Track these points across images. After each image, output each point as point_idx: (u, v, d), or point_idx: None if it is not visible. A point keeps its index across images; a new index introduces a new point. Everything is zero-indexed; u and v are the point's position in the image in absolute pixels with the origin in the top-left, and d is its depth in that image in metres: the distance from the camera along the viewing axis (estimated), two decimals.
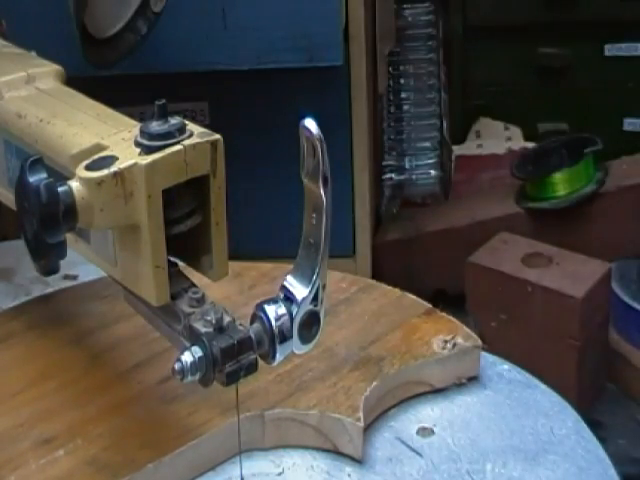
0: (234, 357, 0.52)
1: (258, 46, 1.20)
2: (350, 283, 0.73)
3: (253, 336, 0.53)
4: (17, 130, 0.60)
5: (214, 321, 0.52)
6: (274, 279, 0.72)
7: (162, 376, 0.62)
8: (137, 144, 0.51)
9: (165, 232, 0.52)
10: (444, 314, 0.68)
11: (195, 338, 0.52)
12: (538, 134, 1.93)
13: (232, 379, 0.52)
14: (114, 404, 0.61)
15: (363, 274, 1.31)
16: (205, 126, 0.53)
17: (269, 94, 1.34)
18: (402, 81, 1.74)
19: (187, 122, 0.52)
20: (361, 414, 0.58)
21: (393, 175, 1.71)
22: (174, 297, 0.54)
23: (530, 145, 1.86)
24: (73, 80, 0.66)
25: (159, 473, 0.56)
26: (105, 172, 0.50)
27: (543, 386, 0.64)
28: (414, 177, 1.71)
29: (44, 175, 0.50)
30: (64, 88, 0.64)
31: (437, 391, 0.64)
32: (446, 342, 0.65)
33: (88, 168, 0.51)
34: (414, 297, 0.71)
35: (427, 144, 1.73)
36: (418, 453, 0.59)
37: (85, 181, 0.50)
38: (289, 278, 0.53)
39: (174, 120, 0.52)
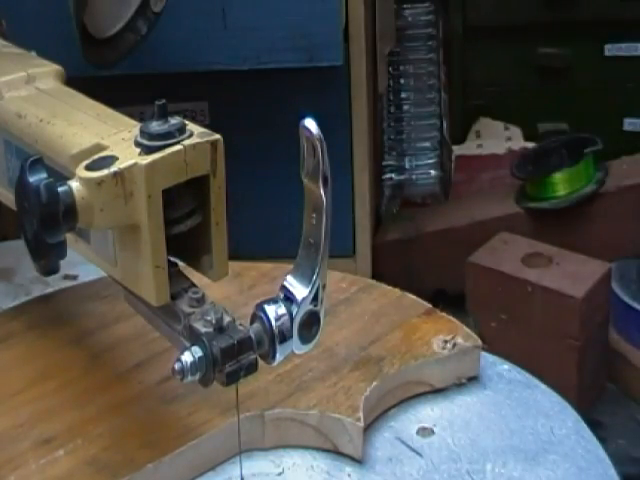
0: (234, 357, 0.52)
1: (258, 46, 1.20)
2: (350, 283, 0.73)
3: (253, 336, 0.53)
4: (17, 130, 0.60)
5: (214, 321, 0.52)
6: (274, 279, 0.72)
7: (162, 376, 0.62)
8: (137, 144, 0.51)
9: (165, 232, 0.52)
10: (444, 314, 0.68)
11: (195, 338, 0.52)
12: (538, 134, 1.93)
13: (232, 379, 0.52)
14: (114, 404, 0.61)
15: (363, 274, 1.31)
16: (205, 126, 0.53)
17: (269, 94, 1.34)
18: (402, 81, 1.74)
19: (187, 122, 0.52)
20: (361, 414, 0.58)
21: (393, 175, 1.71)
22: (174, 297, 0.54)
23: (530, 145, 1.86)
24: (73, 80, 0.66)
25: (159, 473, 0.56)
26: (105, 172, 0.50)
27: (543, 386, 0.64)
28: (414, 177, 1.71)
29: (44, 175, 0.50)
30: (64, 88, 0.64)
31: (437, 391, 0.64)
32: (446, 342, 0.65)
33: (88, 168, 0.51)
34: (414, 297, 0.71)
35: (427, 144, 1.73)
36: (418, 453, 0.59)
37: (85, 181, 0.50)
38: (289, 278, 0.53)
39: (174, 120, 0.52)
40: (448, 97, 1.80)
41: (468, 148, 1.93)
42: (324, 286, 0.53)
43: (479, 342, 0.65)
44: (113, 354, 0.66)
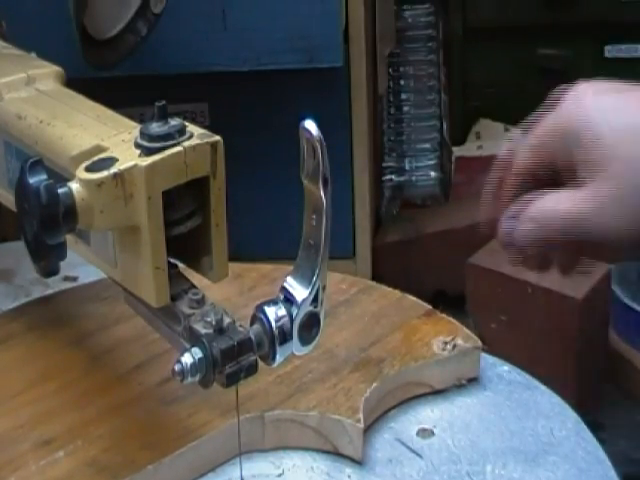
0: (234, 358, 0.52)
1: (258, 47, 1.20)
2: (350, 284, 0.73)
3: (253, 337, 0.52)
4: (17, 131, 0.60)
5: (214, 322, 0.52)
6: (274, 280, 0.72)
7: (162, 377, 0.62)
8: (137, 145, 0.51)
9: (165, 233, 0.52)
10: (444, 315, 0.68)
11: (195, 339, 0.52)
12: None
13: (232, 380, 0.52)
14: (114, 405, 0.61)
15: (363, 275, 1.32)
16: (205, 127, 0.53)
17: (269, 95, 1.34)
18: (402, 82, 1.74)
19: (187, 123, 0.52)
20: (361, 415, 0.58)
21: (393, 176, 1.71)
22: (174, 298, 0.54)
23: None
24: (73, 81, 0.66)
25: (159, 474, 0.56)
26: (105, 173, 0.50)
27: (543, 387, 0.64)
28: (414, 178, 1.71)
29: (44, 176, 0.50)
30: (64, 89, 0.64)
31: (437, 392, 0.64)
32: (446, 343, 0.65)
33: (88, 169, 0.51)
34: (414, 298, 0.71)
35: (427, 145, 1.73)
36: (418, 454, 0.59)
37: (85, 182, 0.50)
38: (289, 279, 0.53)
39: (174, 121, 0.52)
40: (448, 98, 1.80)
41: (468, 149, 1.93)
42: (324, 287, 0.53)
43: (479, 343, 0.65)
44: (113, 355, 0.66)
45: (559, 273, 0.58)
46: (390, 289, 0.73)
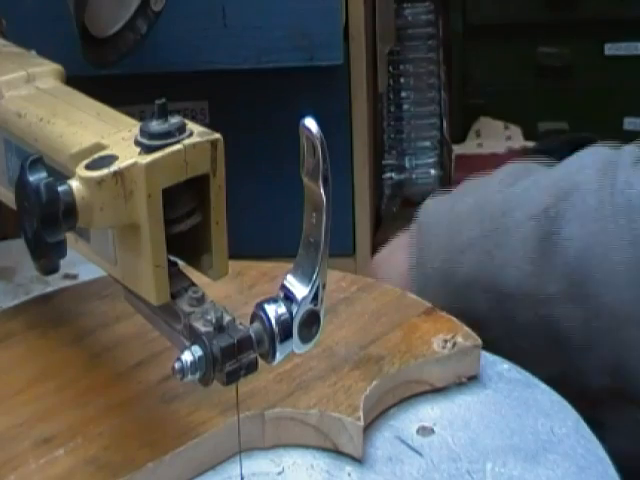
0: (234, 356, 0.52)
1: (258, 45, 1.20)
2: (350, 282, 0.73)
3: (253, 335, 0.52)
4: (17, 129, 0.60)
5: (214, 320, 0.52)
6: (274, 278, 0.72)
7: (162, 375, 0.62)
8: (137, 143, 0.51)
9: (165, 231, 0.52)
10: (444, 313, 0.68)
11: (195, 337, 0.52)
12: (538, 134, 1.93)
13: (232, 378, 0.52)
14: (114, 403, 0.61)
15: (363, 273, 1.31)
16: (205, 125, 0.53)
17: (269, 93, 1.34)
18: (402, 80, 1.74)
19: (187, 121, 0.52)
20: (361, 413, 0.58)
21: (393, 174, 1.71)
22: (174, 296, 0.54)
23: (530, 145, 1.86)
24: (73, 79, 0.66)
25: (159, 472, 0.56)
26: (105, 171, 0.50)
27: (543, 385, 0.64)
28: (414, 176, 1.71)
29: (44, 174, 0.50)
30: (64, 87, 0.64)
31: (437, 390, 0.64)
32: (446, 341, 0.65)
33: (88, 167, 0.51)
34: (414, 296, 0.71)
35: (427, 143, 1.73)
36: (418, 452, 0.59)
37: (85, 180, 0.50)
38: (289, 277, 0.53)
39: (174, 119, 0.52)
40: (448, 96, 1.80)
41: (468, 147, 1.93)
42: (324, 285, 0.53)
43: (479, 341, 0.65)
44: (113, 353, 0.66)
45: None
46: (390, 287, 0.73)
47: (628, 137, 0.80)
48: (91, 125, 0.57)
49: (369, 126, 1.39)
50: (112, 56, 0.88)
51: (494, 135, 1.94)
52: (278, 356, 0.53)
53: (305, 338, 0.54)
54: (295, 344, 0.53)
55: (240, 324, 0.53)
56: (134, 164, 0.50)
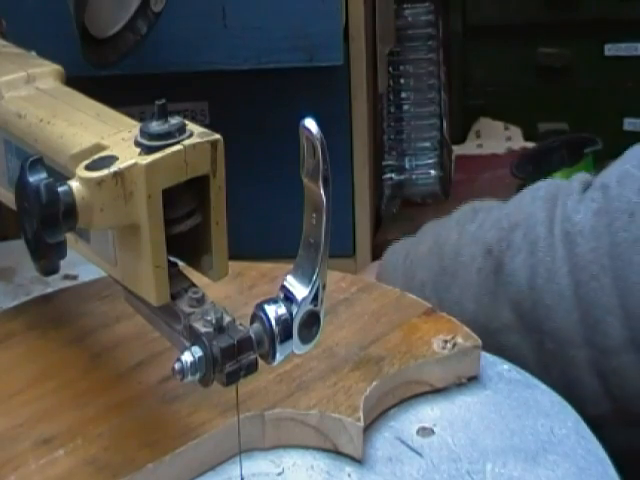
0: (234, 357, 0.52)
1: (258, 46, 1.20)
2: (350, 283, 0.73)
3: (253, 336, 0.52)
4: (17, 130, 0.60)
5: (214, 321, 0.52)
6: (274, 279, 0.72)
7: (162, 376, 0.62)
8: (137, 144, 0.51)
9: (165, 232, 0.52)
10: (444, 314, 0.68)
11: (195, 338, 0.52)
12: (538, 134, 1.92)
13: (232, 379, 0.52)
14: (114, 404, 0.61)
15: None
16: (205, 126, 0.53)
17: (269, 94, 1.34)
18: (402, 81, 1.74)
19: (187, 122, 0.52)
20: (361, 414, 0.58)
21: (393, 175, 1.70)
22: (174, 297, 0.54)
23: (530, 145, 1.86)
24: (73, 80, 0.66)
25: (159, 473, 0.56)
26: (105, 172, 0.50)
27: (543, 386, 0.64)
28: (414, 177, 1.71)
29: (44, 175, 0.50)
30: (64, 88, 0.64)
31: (437, 391, 0.64)
32: (446, 342, 0.65)
33: (88, 168, 0.51)
34: (414, 297, 0.71)
35: (427, 144, 1.72)
36: (418, 453, 0.59)
37: (85, 181, 0.50)
38: (289, 278, 0.53)
39: (174, 120, 0.52)
40: (448, 97, 1.79)
41: (468, 148, 1.93)
42: (324, 286, 0.53)
43: (479, 342, 0.65)
44: (113, 354, 0.66)
45: None
46: (390, 287, 0.73)
47: (628, 137, 0.80)
48: (91, 126, 0.57)
49: (369, 126, 1.39)
50: (112, 56, 0.88)
51: (494, 136, 1.94)
52: (278, 357, 0.53)
53: (305, 339, 0.54)
54: (295, 345, 0.53)
55: (240, 325, 0.53)
56: (134, 165, 0.50)
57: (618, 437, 0.69)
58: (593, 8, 1.90)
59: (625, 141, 0.77)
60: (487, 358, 0.67)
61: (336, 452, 0.59)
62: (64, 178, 0.51)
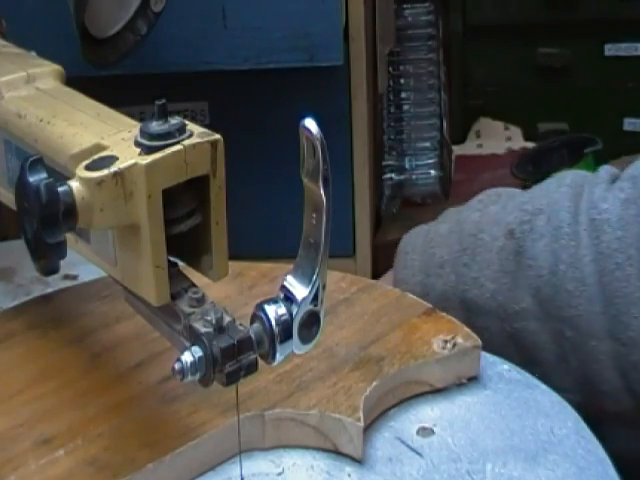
0: (234, 357, 0.52)
1: (258, 46, 1.20)
2: (350, 283, 0.73)
3: (253, 336, 0.53)
4: (17, 130, 0.60)
5: (214, 321, 0.52)
6: (274, 279, 0.72)
7: (162, 376, 0.62)
8: (137, 144, 0.51)
9: (165, 232, 0.52)
10: (444, 314, 0.68)
11: (195, 338, 0.52)
12: (538, 134, 1.92)
13: (232, 379, 0.52)
14: (114, 404, 0.61)
15: (363, 274, 1.31)
16: (205, 126, 0.53)
17: (269, 94, 1.34)
18: (402, 81, 1.74)
19: (187, 122, 0.52)
20: (361, 414, 0.58)
21: (393, 175, 1.70)
22: (174, 297, 0.54)
23: (530, 145, 1.86)
24: (73, 80, 0.66)
25: (159, 473, 0.56)
26: (105, 172, 0.50)
27: (543, 386, 0.64)
28: (414, 177, 1.71)
29: (44, 175, 0.50)
30: (64, 88, 0.64)
31: (437, 391, 0.64)
32: (446, 342, 0.65)
33: (88, 168, 0.51)
34: (414, 297, 0.71)
35: (427, 144, 1.72)
36: (418, 453, 0.59)
37: (85, 181, 0.50)
38: (289, 278, 0.53)
39: (174, 120, 0.52)
40: (448, 97, 1.79)
41: (468, 148, 1.93)
42: (324, 286, 0.53)
43: (479, 342, 0.65)
44: (113, 354, 0.66)
45: None
46: (390, 287, 0.73)
47: (628, 137, 0.81)
48: (91, 126, 0.57)
49: (369, 126, 1.39)
50: (112, 56, 0.88)
51: (494, 136, 1.94)
52: (278, 357, 0.53)
53: (305, 339, 0.54)
54: (295, 345, 0.53)
55: (240, 325, 0.53)
56: (134, 165, 0.50)
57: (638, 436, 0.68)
58: (593, 8, 1.90)
59: (625, 141, 0.77)
60: (487, 358, 0.67)
61: (336, 452, 0.59)
62: (64, 178, 0.51)
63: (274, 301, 0.53)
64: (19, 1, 1.11)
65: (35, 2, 1.14)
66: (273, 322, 0.52)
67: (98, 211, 0.51)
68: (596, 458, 0.58)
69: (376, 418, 0.62)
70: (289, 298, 0.53)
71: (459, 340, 0.65)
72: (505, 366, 0.67)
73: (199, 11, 1.19)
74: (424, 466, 0.58)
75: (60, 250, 0.51)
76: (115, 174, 0.50)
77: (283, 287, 0.53)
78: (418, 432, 0.61)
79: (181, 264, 0.56)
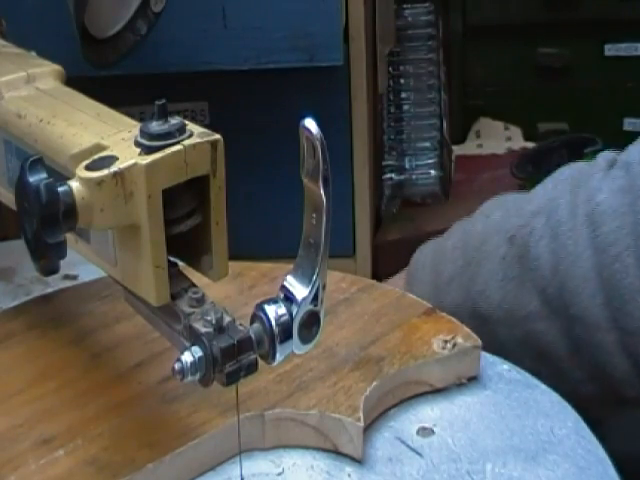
0: (234, 357, 0.52)
1: (258, 46, 1.20)
2: (350, 283, 0.73)
3: (253, 336, 0.53)
4: (17, 130, 0.60)
5: (214, 321, 0.52)
6: (274, 279, 0.72)
7: (162, 376, 0.62)
8: (137, 144, 0.51)
9: (165, 232, 0.52)
10: (444, 314, 0.68)
11: (195, 338, 0.52)
12: (538, 134, 1.92)
13: (232, 379, 0.52)
14: (114, 404, 0.61)
15: (363, 274, 1.31)
16: (205, 126, 0.53)
17: (269, 94, 1.34)
18: (402, 81, 1.74)
19: (187, 122, 0.52)
20: (361, 414, 0.58)
21: (393, 175, 1.70)
22: (174, 297, 0.54)
23: (530, 145, 1.86)
24: (73, 80, 0.66)
25: (159, 473, 0.56)
26: (105, 172, 0.50)
27: (543, 386, 0.64)
28: (414, 177, 1.71)
29: (44, 175, 0.50)
30: (64, 88, 0.64)
31: (437, 391, 0.64)
32: (446, 342, 0.65)
33: (88, 168, 0.51)
34: (414, 297, 0.71)
35: (427, 144, 1.72)
36: (418, 453, 0.59)
37: (85, 181, 0.50)
38: (289, 278, 0.53)
39: (174, 120, 0.52)
40: (448, 97, 1.79)
41: (468, 148, 1.93)
42: (324, 286, 0.53)
43: (479, 342, 0.65)
44: (113, 354, 0.66)
45: None
46: (390, 288, 0.73)
47: (628, 137, 0.80)
48: (91, 126, 0.57)
49: (369, 126, 1.39)
50: (112, 56, 0.88)
51: (494, 136, 1.94)
52: (278, 357, 0.53)
53: (305, 339, 0.54)
54: (295, 345, 0.53)
55: (240, 325, 0.53)
56: (134, 165, 0.50)
57: None
58: (593, 8, 1.90)
59: (625, 141, 0.77)
60: (487, 358, 0.67)
61: (336, 452, 0.59)
62: (64, 178, 0.51)
63: (274, 301, 0.53)
64: (19, 1, 1.11)
65: (35, 2, 1.14)
66: (273, 322, 0.52)
67: (98, 211, 0.51)
68: (596, 458, 0.58)
69: (376, 418, 0.62)
70: (289, 298, 0.53)
71: (459, 340, 0.65)
72: (505, 366, 0.67)
73: (199, 11, 1.19)
74: (424, 466, 0.58)
75: (60, 250, 0.51)
76: (115, 174, 0.50)
77: (283, 287, 0.53)
78: (418, 432, 0.61)
79: (181, 264, 0.56)
